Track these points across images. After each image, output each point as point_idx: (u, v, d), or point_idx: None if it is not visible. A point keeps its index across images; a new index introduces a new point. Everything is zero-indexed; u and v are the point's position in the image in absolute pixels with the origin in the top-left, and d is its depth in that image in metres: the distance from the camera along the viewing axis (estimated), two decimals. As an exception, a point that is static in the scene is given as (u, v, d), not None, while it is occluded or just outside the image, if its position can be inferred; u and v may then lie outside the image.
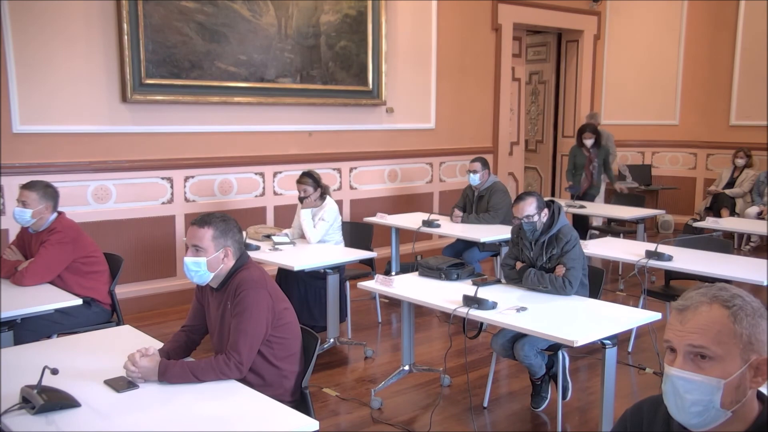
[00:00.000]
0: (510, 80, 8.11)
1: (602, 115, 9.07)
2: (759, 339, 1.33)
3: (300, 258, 4.41)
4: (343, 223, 5.16)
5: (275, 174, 6.17)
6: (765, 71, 8.18)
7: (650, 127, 9.22)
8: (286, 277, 4.65)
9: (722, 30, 8.61)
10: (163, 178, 5.55)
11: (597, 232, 7.19)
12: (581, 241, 3.77)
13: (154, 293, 5.54)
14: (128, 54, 5.16)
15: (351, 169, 6.71)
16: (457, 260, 3.99)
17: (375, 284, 3.75)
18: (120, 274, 4.00)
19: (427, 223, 5.49)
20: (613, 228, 7.33)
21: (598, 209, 6.81)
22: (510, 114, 8.22)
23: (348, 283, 4.87)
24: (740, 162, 7.98)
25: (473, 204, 5.74)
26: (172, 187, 5.60)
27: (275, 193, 6.18)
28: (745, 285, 3.46)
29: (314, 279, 4.60)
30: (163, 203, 5.58)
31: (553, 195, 9.15)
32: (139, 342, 2.65)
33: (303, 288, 4.64)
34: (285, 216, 6.04)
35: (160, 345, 2.61)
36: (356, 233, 5.29)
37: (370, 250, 4.94)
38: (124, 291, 5.02)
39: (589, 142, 7.25)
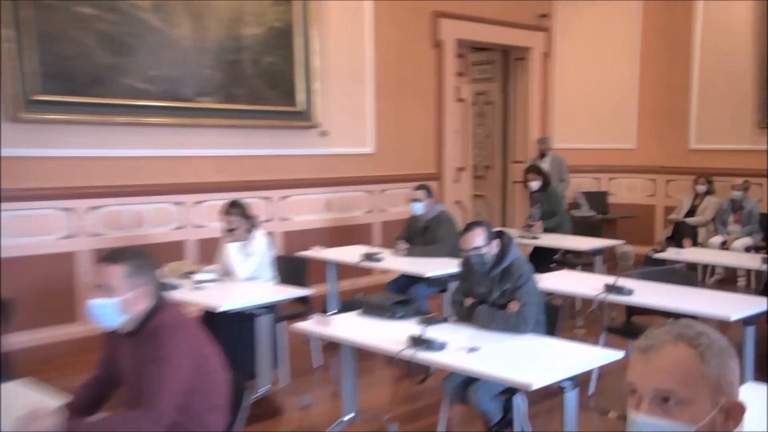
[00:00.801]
0: (454, 100, 8.27)
1: (554, 139, 9.25)
2: (728, 380, 1.37)
3: (226, 297, 4.36)
4: (275, 258, 5.13)
5: (195, 204, 6.10)
6: (722, 93, 8.53)
7: (606, 151, 9.46)
8: (212, 318, 4.57)
9: (678, 49, 8.96)
10: (60, 209, 5.41)
11: (554, 264, 7.28)
12: (536, 275, 3.86)
13: (52, 341, 5.35)
14: (14, 66, 5.02)
15: (282, 198, 6.70)
16: (401, 297, 4.02)
17: (311, 325, 3.74)
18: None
19: (368, 257, 5.51)
20: (569, 260, 7.45)
21: (553, 240, 6.92)
22: (455, 136, 8.36)
23: (285, 323, 4.83)
24: (701, 189, 8.18)
25: (418, 235, 5.79)
26: (72, 219, 5.45)
27: (196, 226, 6.10)
28: (712, 321, 3.60)
29: (244, 320, 4.54)
30: (59, 238, 5.42)
31: (504, 225, 9.31)
32: (34, 401, 2.54)
33: (232, 330, 4.56)
34: (208, 251, 5.95)
35: (61, 402, 2.52)
36: (290, 268, 5.26)
37: (306, 287, 4.92)
38: (15, 340, 4.82)
39: (534, 185, 7.04)
